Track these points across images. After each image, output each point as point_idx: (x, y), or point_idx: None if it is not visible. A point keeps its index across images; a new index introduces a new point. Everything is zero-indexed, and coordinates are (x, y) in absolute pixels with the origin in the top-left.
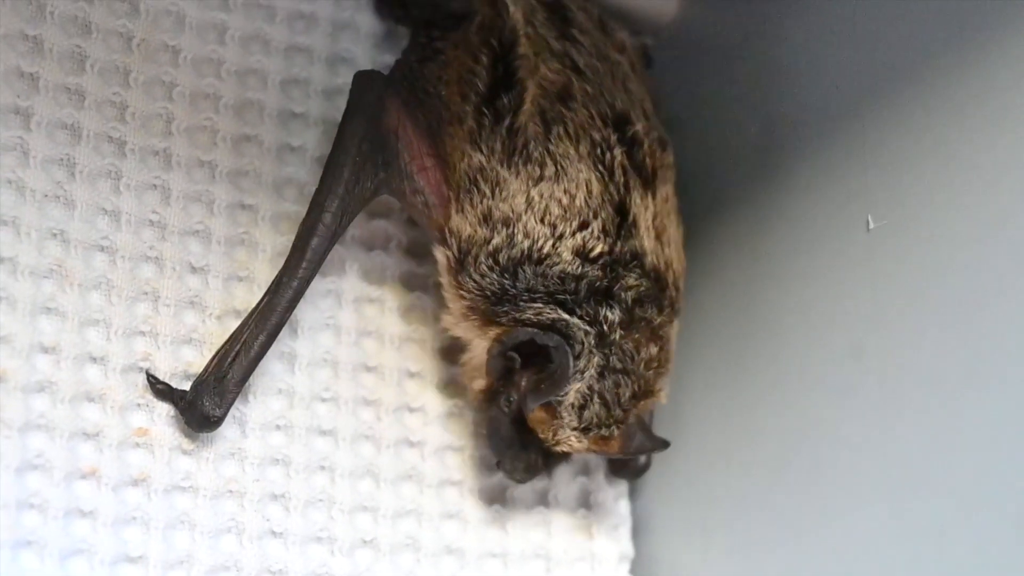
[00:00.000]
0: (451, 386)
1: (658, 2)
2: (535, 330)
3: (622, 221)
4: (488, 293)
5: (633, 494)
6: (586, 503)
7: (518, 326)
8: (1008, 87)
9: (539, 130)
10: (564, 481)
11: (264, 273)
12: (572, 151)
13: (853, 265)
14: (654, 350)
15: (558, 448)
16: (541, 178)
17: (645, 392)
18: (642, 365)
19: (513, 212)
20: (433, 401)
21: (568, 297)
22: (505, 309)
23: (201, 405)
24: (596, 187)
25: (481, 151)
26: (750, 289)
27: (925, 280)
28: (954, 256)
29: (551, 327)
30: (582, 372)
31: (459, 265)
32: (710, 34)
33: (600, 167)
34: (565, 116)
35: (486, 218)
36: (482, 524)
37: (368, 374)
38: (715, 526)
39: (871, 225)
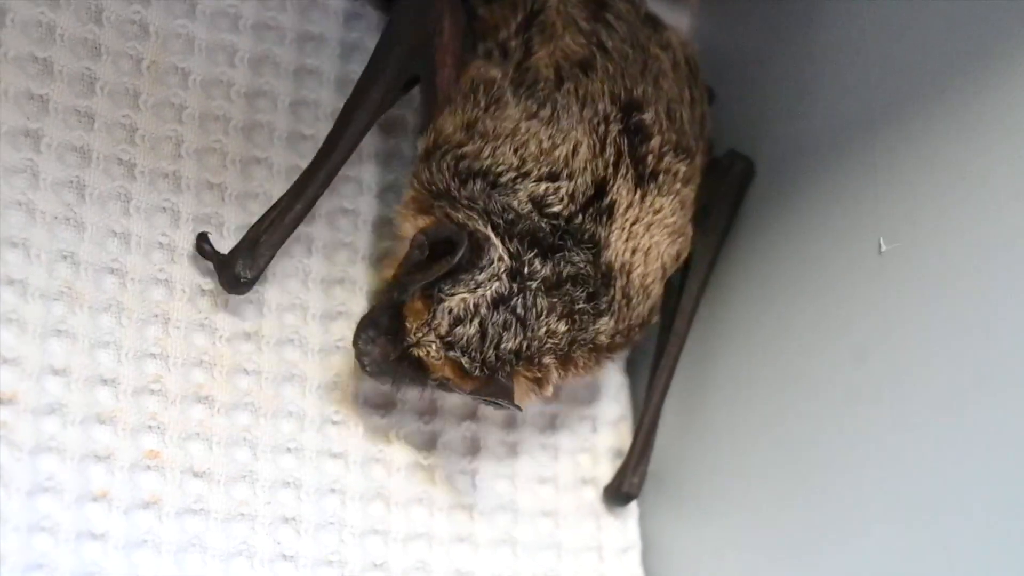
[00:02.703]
0: (462, 408)
1: (671, 20)
2: (455, 227)
3: (594, 199)
4: (433, 189)
5: (643, 516)
6: (596, 525)
7: (445, 220)
8: (1020, 107)
9: (551, 77)
10: (573, 504)
11: (273, 294)
12: (575, 108)
13: (865, 288)
14: (561, 326)
15: (415, 351)
16: (535, 116)
17: (529, 357)
18: (542, 329)
19: (494, 132)
20: (443, 425)
21: (502, 223)
22: (441, 204)
23: (234, 266)
24: (584, 152)
25: (498, 69)
26: (760, 312)
27: (937, 303)
28: (967, 278)
29: (470, 234)
30: (476, 286)
31: (427, 156)
32: (721, 53)
33: (594, 136)
34: (580, 79)
35: (469, 126)
36: (492, 547)
37: (378, 397)
38: (726, 547)
39: (883, 248)
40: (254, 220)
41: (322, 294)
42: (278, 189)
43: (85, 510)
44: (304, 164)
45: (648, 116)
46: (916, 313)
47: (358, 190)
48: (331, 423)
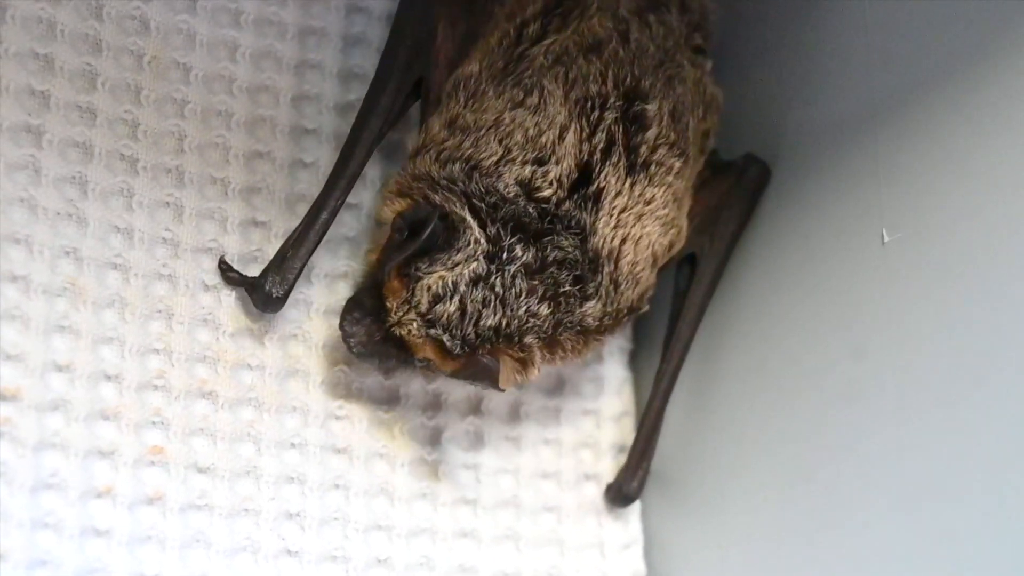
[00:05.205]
0: (466, 403)
1: None
2: (432, 209)
3: (579, 184)
4: (415, 174)
5: (645, 512)
6: (598, 522)
7: (424, 202)
8: (1021, 99)
9: (544, 64)
10: (575, 499)
11: None
12: (559, 92)
13: (868, 279)
14: (543, 308)
15: (396, 330)
16: (520, 104)
17: (510, 336)
18: (522, 308)
19: (475, 125)
20: (447, 420)
21: (483, 206)
22: (420, 185)
23: (264, 285)
24: (570, 137)
25: (481, 63)
26: (763, 304)
27: (940, 294)
28: (969, 269)
29: (444, 215)
30: (454, 264)
31: (414, 155)
32: (724, 47)
33: (583, 120)
34: (576, 63)
35: (451, 123)
36: (495, 542)
37: (382, 392)
38: (729, 543)
39: (885, 239)
40: (257, 215)
41: (325, 289)
42: (281, 183)
43: (89, 506)
44: (306, 158)
45: (651, 108)
46: (919, 304)
47: (361, 184)
48: (335, 418)
